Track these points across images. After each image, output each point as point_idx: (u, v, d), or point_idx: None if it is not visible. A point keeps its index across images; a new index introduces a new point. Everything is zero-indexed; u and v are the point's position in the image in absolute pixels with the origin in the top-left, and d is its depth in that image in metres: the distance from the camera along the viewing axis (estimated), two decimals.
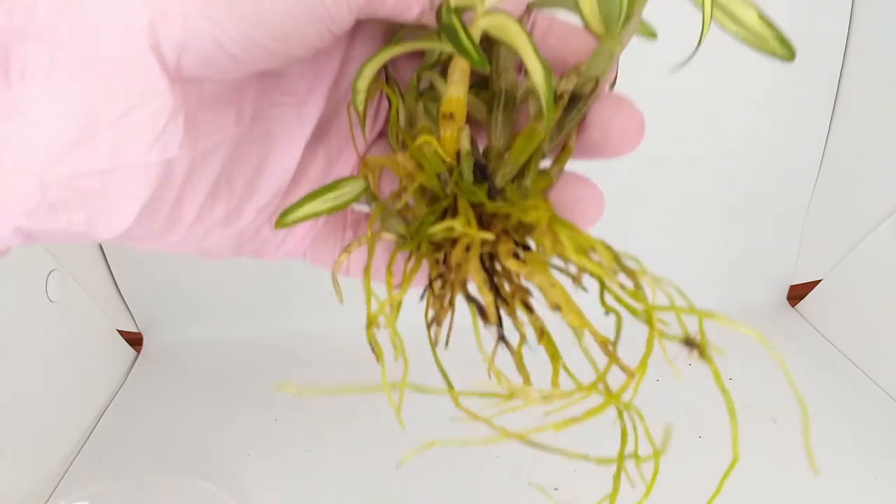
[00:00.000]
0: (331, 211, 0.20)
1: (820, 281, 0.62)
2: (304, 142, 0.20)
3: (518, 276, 0.18)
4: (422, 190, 0.19)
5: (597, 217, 0.19)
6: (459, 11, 0.17)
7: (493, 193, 0.18)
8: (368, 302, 0.18)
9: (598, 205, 0.19)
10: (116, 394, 0.56)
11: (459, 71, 0.18)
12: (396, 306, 0.18)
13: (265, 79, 0.18)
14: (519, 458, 0.46)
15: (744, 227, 0.63)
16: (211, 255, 0.20)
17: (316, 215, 0.20)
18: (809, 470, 0.46)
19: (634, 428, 0.17)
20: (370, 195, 0.21)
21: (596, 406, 0.16)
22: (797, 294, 0.65)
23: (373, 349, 0.18)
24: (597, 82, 0.18)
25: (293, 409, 0.52)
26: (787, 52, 0.19)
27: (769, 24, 0.19)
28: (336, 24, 0.16)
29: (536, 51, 0.17)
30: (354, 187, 0.20)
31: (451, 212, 0.18)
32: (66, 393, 0.50)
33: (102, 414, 0.53)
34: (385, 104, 0.22)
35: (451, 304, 0.18)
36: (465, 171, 0.19)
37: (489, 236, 0.17)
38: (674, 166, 0.57)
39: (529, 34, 0.17)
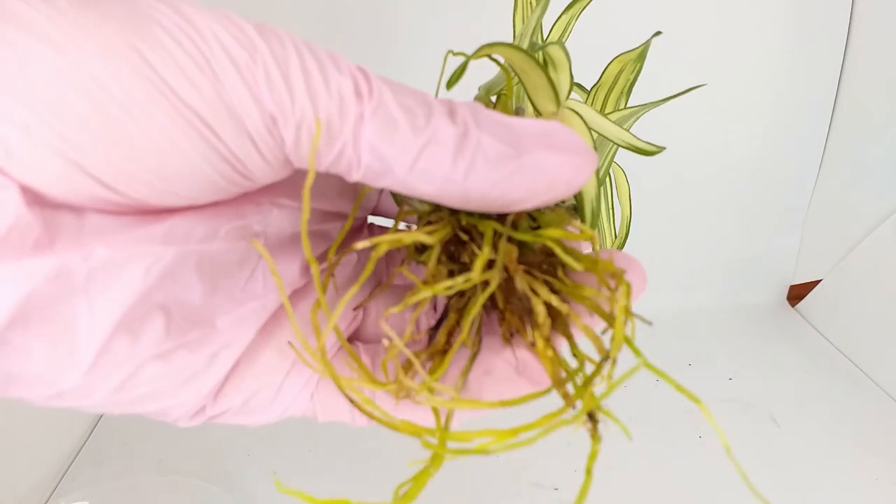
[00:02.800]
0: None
1: (820, 281, 0.62)
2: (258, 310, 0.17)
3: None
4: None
5: (640, 292, 0.18)
6: None
7: None
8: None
9: (641, 281, 0.18)
10: None
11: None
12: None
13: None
14: (519, 458, 0.46)
15: (744, 227, 0.63)
16: (176, 420, 0.16)
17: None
18: (809, 470, 0.46)
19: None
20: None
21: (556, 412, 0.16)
22: (797, 294, 0.65)
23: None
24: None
25: None
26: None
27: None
28: (251, 168, 0.13)
29: (598, 171, 0.17)
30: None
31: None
32: None
33: (102, 414, 0.53)
34: None
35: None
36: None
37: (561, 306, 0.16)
38: (674, 167, 0.57)
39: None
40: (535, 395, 0.16)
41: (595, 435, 0.15)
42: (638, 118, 0.19)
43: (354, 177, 0.14)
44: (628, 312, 0.15)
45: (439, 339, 0.17)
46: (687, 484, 0.44)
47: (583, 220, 0.17)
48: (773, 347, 0.59)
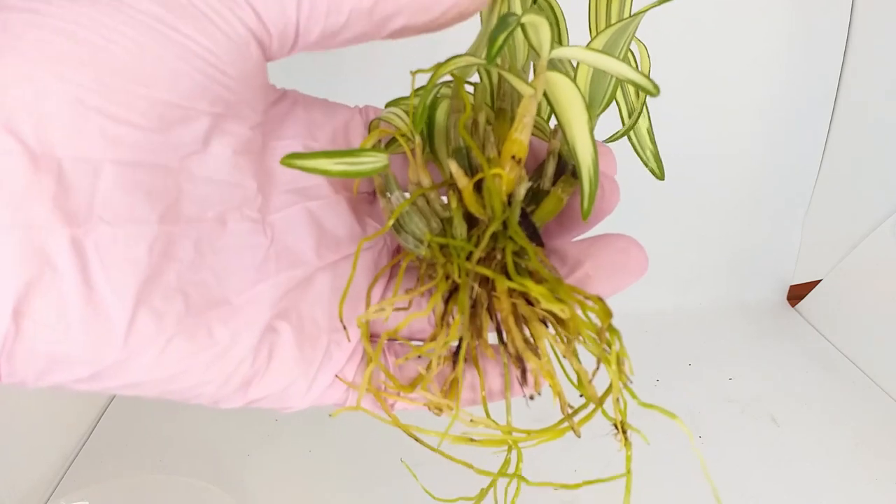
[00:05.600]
0: (342, 175, 0.17)
1: (820, 281, 0.62)
2: (273, 264, 0.18)
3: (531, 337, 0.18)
4: (466, 214, 0.19)
5: (641, 274, 0.19)
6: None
7: (538, 241, 0.19)
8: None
9: (642, 264, 0.19)
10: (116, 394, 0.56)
11: (530, 115, 0.18)
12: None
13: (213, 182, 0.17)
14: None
15: (744, 227, 0.63)
16: (214, 397, 0.17)
17: (324, 173, 0.16)
18: (809, 470, 0.46)
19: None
20: (389, 183, 0.20)
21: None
22: (797, 294, 0.65)
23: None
24: None
25: None
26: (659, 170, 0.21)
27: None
28: (222, 56, 0.15)
29: (591, 129, 0.16)
30: (376, 160, 0.18)
31: (493, 254, 0.18)
32: (66, 393, 0.50)
33: (102, 414, 0.53)
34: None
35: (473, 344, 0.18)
36: (515, 215, 0.18)
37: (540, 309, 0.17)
38: (674, 167, 0.57)
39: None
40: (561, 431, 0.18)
41: (627, 443, 0.17)
42: (637, 25, 0.19)
43: (321, 7, 0.15)
44: (620, 368, 0.16)
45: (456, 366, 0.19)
46: (687, 484, 0.44)
47: (581, 188, 0.17)
48: (773, 347, 0.59)
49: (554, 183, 0.20)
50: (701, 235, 0.63)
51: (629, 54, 0.20)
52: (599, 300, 0.17)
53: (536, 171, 0.20)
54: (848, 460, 0.46)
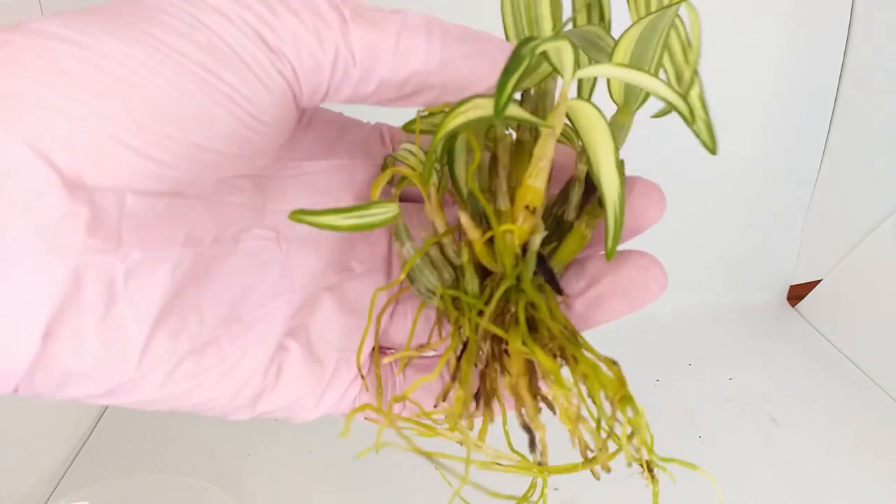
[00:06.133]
0: (351, 229, 0.17)
1: (820, 281, 0.62)
2: (292, 284, 0.19)
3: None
4: (477, 265, 0.18)
5: (660, 294, 0.19)
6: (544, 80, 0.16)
7: (557, 291, 0.18)
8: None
9: (662, 283, 0.19)
10: None
11: (547, 158, 0.17)
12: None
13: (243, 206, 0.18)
14: None
15: (744, 227, 0.63)
16: (224, 410, 0.18)
17: (334, 229, 0.17)
18: (809, 470, 0.46)
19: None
20: (401, 231, 0.19)
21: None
22: (797, 294, 0.65)
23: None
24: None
25: None
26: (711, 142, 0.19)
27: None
28: (258, 106, 0.15)
29: (619, 162, 0.16)
30: (386, 211, 0.18)
31: (506, 307, 0.17)
32: None
33: (102, 414, 0.53)
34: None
35: (489, 400, 0.18)
36: (529, 268, 0.17)
37: (551, 367, 0.16)
38: (674, 167, 0.57)
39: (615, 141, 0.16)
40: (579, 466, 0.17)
41: (653, 480, 0.17)
42: (676, 11, 0.17)
43: (354, 76, 0.16)
44: (640, 436, 0.16)
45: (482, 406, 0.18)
46: (687, 484, 0.44)
47: (605, 225, 0.16)
48: (773, 347, 0.59)
49: (580, 208, 0.19)
50: (700, 235, 0.63)
51: (677, 21, 0.18)
52: (614, 366, 0.16)
53: (560, 196, 0.19)
54: (848, 460, 0.46)
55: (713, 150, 0.19)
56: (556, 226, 0.19)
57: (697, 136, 0.19)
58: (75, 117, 0.13)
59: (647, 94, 0.18)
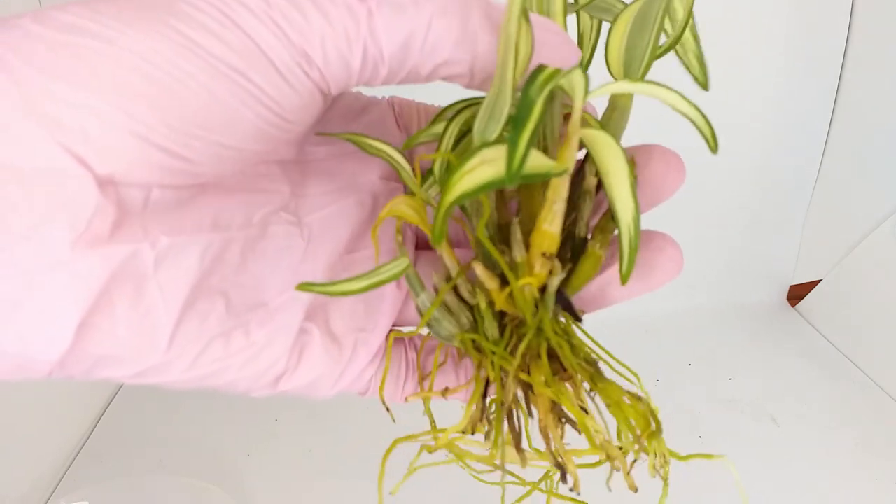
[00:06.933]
0: (365, 290, 0.17)
1: (820, 281, 0.62)
2: (315, 262, 0.19)
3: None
4: (493, 310, 0.18)
5: (675, 275, 0.19)
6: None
7: (576, 318, 0.18)
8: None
9: (677, 264, 0.19)
10: (116, 394, 0.56)
11: (561, 200, 0.16)
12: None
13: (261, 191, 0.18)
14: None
15: (744, 227, 0.63)
16: (246, 390, 0.18)
17: (347, 293, 0.18)
18: (809, 470, 0.46)
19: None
20: (414, 282, 0.19)
21: None
22: (797, 294, 0.65)
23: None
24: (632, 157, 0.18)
25: (293, 410, 0.52)
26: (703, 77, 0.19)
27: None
28: (285, 107, 0.15)
29: (634, 187, 0.15)
30: (396, 266, 0.18)
31: (529, 353, 0.17)
32: (66, 393, 0.50)
33: (102, 414, 0.53)
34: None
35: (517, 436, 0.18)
36: (548, 309, 0.17)
37: (581, 416, 0.16)
38: None
39: (630, 165, 0.15)
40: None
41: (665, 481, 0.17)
42: None
43: (382, 72, 0.15)
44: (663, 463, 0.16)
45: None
46: (687, 484, 0.44)
47: (620, 249, 0.16)
48: (773, 347, 0.59)
49: (592, 227, 0.18)
50: (701, 235, 0.63)
51: None
52: (639, 402, 0.16)
53: (570, 209, 0.18)
54: (848, 460, 0.46)
55: (705, 86, 0.19)
56: (569, 242, 0.19)
57: (688, 69, 0.20)
58: (105, 117, 0.13)
59: (648, 66, 0.18)
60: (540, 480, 0.19)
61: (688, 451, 0.17)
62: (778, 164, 0.60)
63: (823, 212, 0.60)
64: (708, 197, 0.61)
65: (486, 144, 0.14)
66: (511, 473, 0.18)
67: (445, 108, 0.20)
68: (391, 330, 0.21)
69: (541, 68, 0.13)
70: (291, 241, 0.19)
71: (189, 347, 0.16)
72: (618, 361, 0.18)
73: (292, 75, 0.15)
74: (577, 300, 0.19)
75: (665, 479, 0.17)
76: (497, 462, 0.18)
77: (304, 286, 0.17)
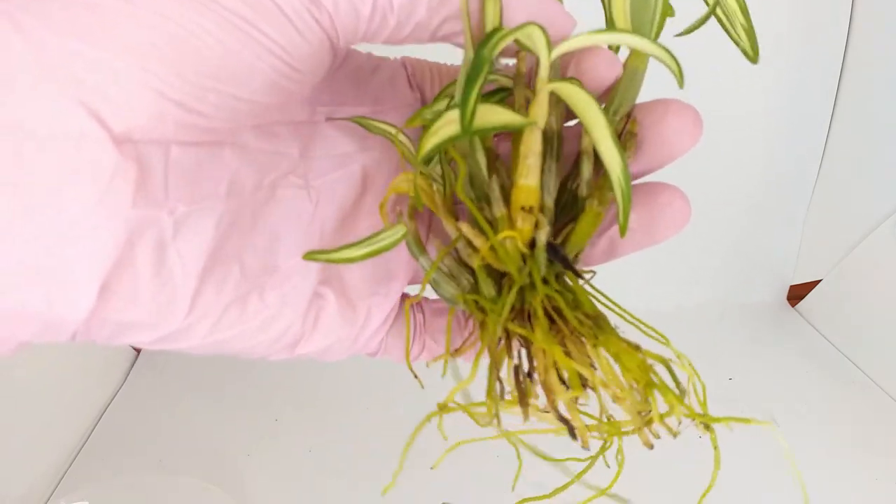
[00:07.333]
0: (366, 257, 0.18)
1: (820, 281, 0.62)
2: (322, 225, 0.19)
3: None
4: (488, 267, 0.18)
5: (682, 227, 0.19)
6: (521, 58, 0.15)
7: (577, 275, 0.18)
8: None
9: (685, 216, 0.19)
10: (116, 394, 0.56)
11: (535, 154, 0.16)
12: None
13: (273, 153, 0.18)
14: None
15: (744, 226, 0.63)
16: (264, 354, 0.19)
17: (349, 261, 0.18)
18: (809, 470, 0.46)
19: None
20: (415, 245, 0.20)
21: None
22: (797, 294, 0.65)
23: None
24: (631, 112, 0.18)
25: (293, 409, 0.52)
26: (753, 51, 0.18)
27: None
28: (295, 56, 0.15)
29: (615, 137, 0.15)
30: (395, 233, 0.18)
31: (523, 310, 0.17)
32: (66, 393, 0.50)
33: (102, 414, 0.53)
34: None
35: (527, 397, 0.18)
36: (540, 265, 0.17)
37: (577, 370, 0.16)
38: (674, 167, 0.57)
39: (606, 114, 0.15)
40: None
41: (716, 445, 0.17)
42: None
43: (391, 22, 0.16)
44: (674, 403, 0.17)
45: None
46: (687, 484, 0.44)
47: (616, 201, 0.16)
48: (773, 347, 0.59)
49: (593, 182, 0.18)
50: (701, 235, 0.63)
51: None
52: (636, 354, 0.16)
53: (573, 170, 0.19)
54: (848, 460, 0.46)
55: (754, 59, 0.19)
56: (573, 203, 0.18)
57: (737, 43, 0.20)
58: (121, 74, 0.13)
59: (663, 21, 0.17)
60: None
61: (688, 451, 0.17)
62: (778, 164, 0.60)
63: (823, 212, 0.60)
64: (708, 197, 0.61)
65: (454, 106, 0.15)
66: (525, 445, 0.18)
67: (448, 86, 0.20)
68: (403, 294, 0.21)
69: (497, 29, 0.14)
70: (300, 203, 0.19)
71: (209, 312, 0.16)
72: (633, 318, 0.18)
73: (302, 22, 0.15)
74: (587, 255, 0.19)
75: (715, 445, 0.16)
76: (494, 417, 0.17)
77: (308, 255, 0.17)
